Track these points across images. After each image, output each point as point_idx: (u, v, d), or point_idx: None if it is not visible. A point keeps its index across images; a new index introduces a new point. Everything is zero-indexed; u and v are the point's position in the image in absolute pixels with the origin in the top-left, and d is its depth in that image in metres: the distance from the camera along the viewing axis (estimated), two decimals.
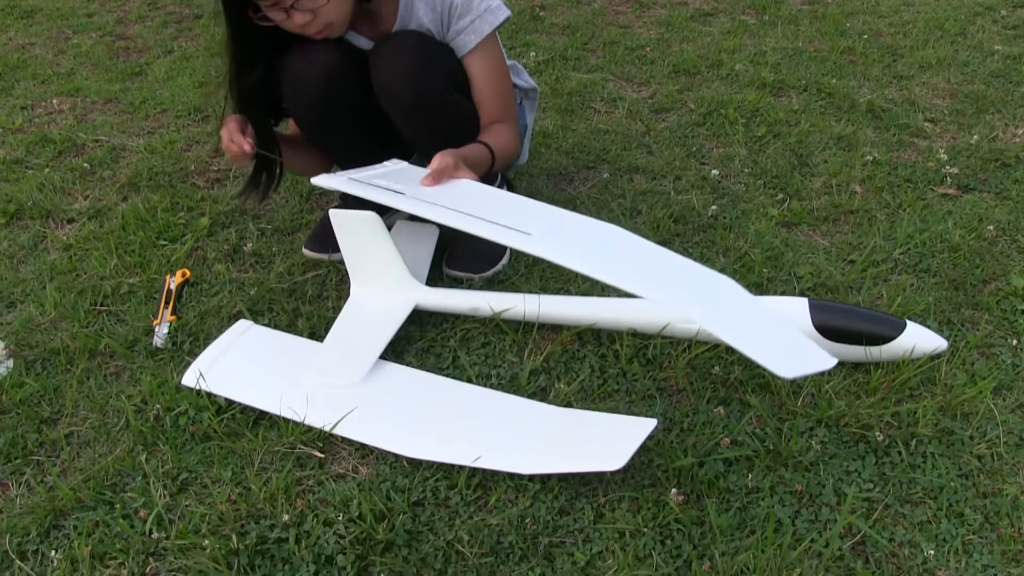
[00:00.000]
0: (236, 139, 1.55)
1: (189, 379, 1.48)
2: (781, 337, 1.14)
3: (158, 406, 1.46)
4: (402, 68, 1.53)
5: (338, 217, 1.58)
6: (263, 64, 1.58)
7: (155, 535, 1.26)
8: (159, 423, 1.44)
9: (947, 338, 1.53)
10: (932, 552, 1.24)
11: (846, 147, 2.20)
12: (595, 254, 1.22)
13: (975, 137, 2.23)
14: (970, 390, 1.47)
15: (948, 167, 2.09)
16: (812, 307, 1.47)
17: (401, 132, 1.68)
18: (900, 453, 1.38)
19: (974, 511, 1.30)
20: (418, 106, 1.57)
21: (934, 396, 1.47)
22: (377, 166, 1.58)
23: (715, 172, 2.08)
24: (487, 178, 1.81)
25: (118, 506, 1.31)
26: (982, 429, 1.42)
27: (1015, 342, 1.59)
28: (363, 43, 1.66)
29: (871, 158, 2.13)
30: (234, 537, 1.24)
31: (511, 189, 1.89)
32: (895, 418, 1.43)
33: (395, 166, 1.59)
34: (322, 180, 1.46)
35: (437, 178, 1.43)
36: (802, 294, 1.70)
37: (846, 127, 2.28)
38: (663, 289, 1.16)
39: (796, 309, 1.48)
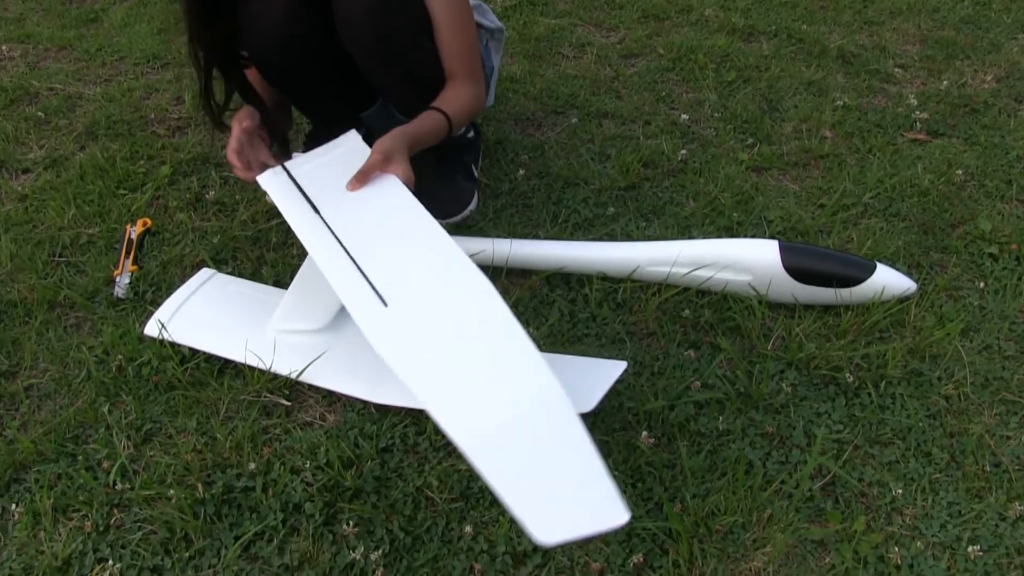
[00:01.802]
0: (239, 167, 1.49)
1: (151, 329, 1.45)
2: (570, 486, 0.99)
3: (120, 357, 1.42)
4: (365, 3, 1.48)
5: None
6: (226, 11, 1.52)
7: (119, 486, 1.24)
8: (121, 374, 1.41)
9: (916, 281, 1.53)
10: (900, 491, 1.25)
11: (816, 92, 2.19)
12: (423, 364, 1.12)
13: (944, 83, 2.22)
14: (938, 332, 1.47)
15: (918, 112, 2.08)
16: (782, 249, 1.47)
17: (366, 76, 1.64)
18: (870, 395, 1.38)
19: (941, 450, 1.31)
20: (381, 45, 1.52)
21: (903, 338, 1.47)
22: (328, 146, 1.49)
23: (685, 117, 2.06)
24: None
25: (80, 458, 1.28)
26: (950, 370, 1.43)
27: (982, 284, 1.60)
28: None
29: (841, 103, 2.12)
30: (200, 487, 1.22)
31: (478, 135, 1.86)
32: (865, 360, 1.43)
33: (347, 144, 1.50)
34: (265, 179, 1.43)
35: (362, 180, 1.36)
36: (772, 237, 1.69)
37: (816, 72, 2.26)
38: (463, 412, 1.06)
39: (766, 251, 1.47)
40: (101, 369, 1.42)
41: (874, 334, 1.48)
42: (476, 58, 1.63)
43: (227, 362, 1.42)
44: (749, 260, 1.47)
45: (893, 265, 1.60)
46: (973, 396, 1.39)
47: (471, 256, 1.56)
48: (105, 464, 1.27)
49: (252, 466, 1.25)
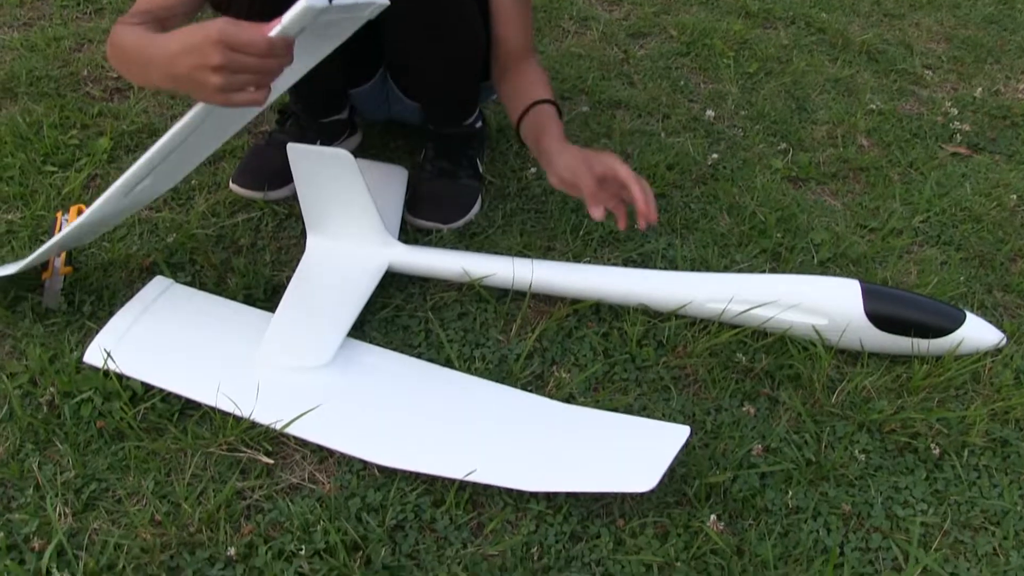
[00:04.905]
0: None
1: (94, 356, 1.16)
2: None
3: (52, 390, 1.13)
4: None
5: (297, 153, 1.26)
6: None
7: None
8: (54, 413, 1.12)
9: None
10: None
11: (845, 91, 1.98)
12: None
13: (978, 90, 2.05)
14: (1019, 392, 1.29)
15: (957, 123, 1.90)
16: (865, 292, 1.26)
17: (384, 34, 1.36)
18: (953, 467, 1.20)
19: None
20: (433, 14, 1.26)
21: (982, 397, 1.29)
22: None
23: (710, 113, 1.83)
24: (461, 111, 1.51)
25: (1, 534, 0.99)
26: None
27: None
28: None
29: (874, 107, 1.93)
30: None
31: (485, 124, 1.59)
32: (943, 424, 1.24)
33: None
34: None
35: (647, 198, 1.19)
36: (822, 264, 1.49)
37: (843, 69, 2.06)
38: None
39: (847, 293, 1.26)
40: (27, 406, 1.12)
41: (950, 391, 1.29)
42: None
43: (190, 403, 1.14)
44: (826, 301, 1.26)
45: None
46: None
47: (484, 278, 1.31)
48: (36, 543, 0.98)
49: (231, 551, 0.99)
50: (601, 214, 1.20)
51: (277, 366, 1.16)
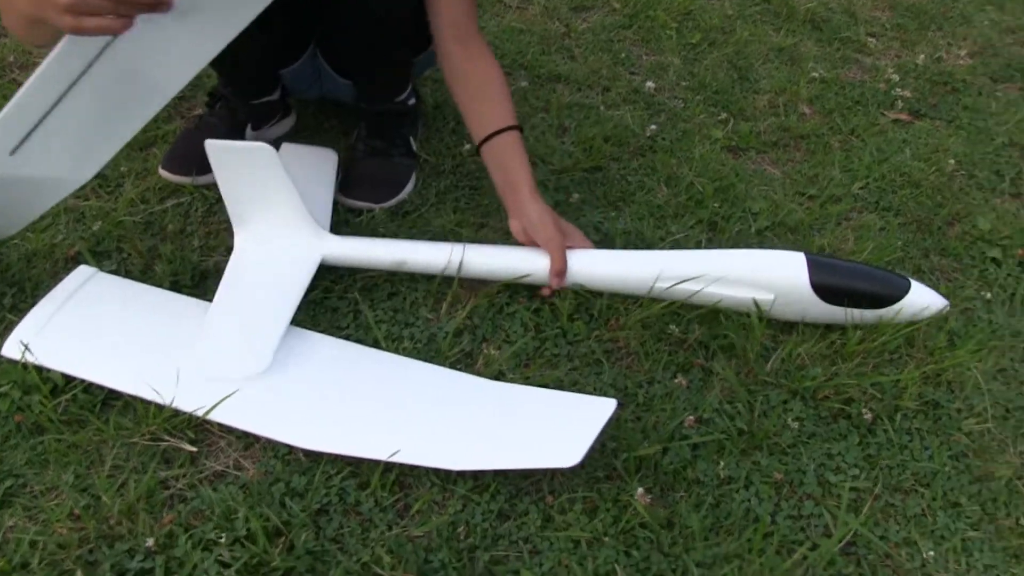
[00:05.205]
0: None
1: (12, 349, 1.13)
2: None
3: None
4: None
5: (216, 149, 1.23)
6: None
7: None
8: None
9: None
10: (931, 553, 1.07)
11: (788, 60, 1.98)
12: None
13: (921, 57, 2.04)
14: (952, 356, 1.30)
15: (899, 89, 1.90)
16: (811, 264, 1.25)
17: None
18: (886, 431, 1.20)
19: (970, 500, 1.14)
20: None
21: (915, 361, 1.29)
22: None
23: (649, 85, 1.82)
24: (392, 87, 1.49)
25: None
26: (968, 400, 1.26)
27: (988, 295, 1.43)
28: None
29: (817, 75, 1.92)
30: (79, 572, 0.94)
31: (419, 100, 1.57)
32: (877, 389, 1.24)
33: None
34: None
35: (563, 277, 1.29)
36: (759, 233, 1.48)
37: (786, 38, 2.05)
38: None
39: (791, 265, 1.25)
40: None
41: (884, 356, 1.29)
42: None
43: (113, 393, 1.12)
44: (771, 275, 1.25)
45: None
46: (996, 431, 1.23)
47: (439, 267, 1.29)
48: None
49: (150, 542, 0.97)
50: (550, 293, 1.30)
51: (212, 376, 1.13)
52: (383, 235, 1.40)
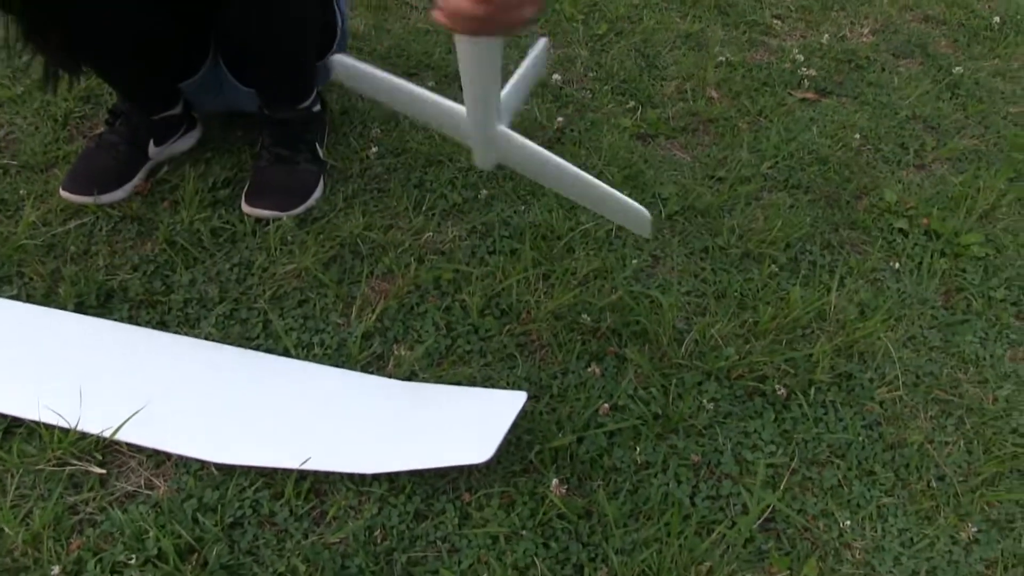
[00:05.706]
0: None
1: None
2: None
3: None
4: None
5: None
6: None
7: None
8: None
9: (832, 263, 1.35)
10: (848, 522, 1.08)
11: (695, 46, 1.98)
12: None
13: (825, 36, 2.07)
14: (863, 326, 1.31)
15: (804, 69, 1.92)
16: None
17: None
18: (800, 406, 1.20)
19: (884, 467, 1.15)
20: None
21: (827, 334, 1.30)
22: None
23: (556, 77, 1.81)
24: (295, 94, 1.46)
25: None
26: (880, 369, 1.27)
27: (896, 265, 1.45)
28: None
29: (724, 59, 1.93)
30: None
31: (324, 108, 1.54)
32: (790, 364, 1.25)
33: None
34: None
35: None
36: (669, 219, 1.48)
37: (693, 24, 2.06)
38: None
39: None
40: None
41: (796, 332, 1.30)
42: None
43: (15, 420, 1.07)
44: None
45: (805, 247, 1.42)
46: (907, 398, 1.24)
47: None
48: None
49: (56, 569, 0.93)
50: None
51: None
52: (290, 245, 1.37)
